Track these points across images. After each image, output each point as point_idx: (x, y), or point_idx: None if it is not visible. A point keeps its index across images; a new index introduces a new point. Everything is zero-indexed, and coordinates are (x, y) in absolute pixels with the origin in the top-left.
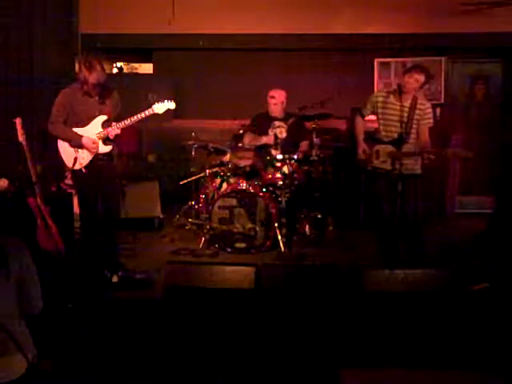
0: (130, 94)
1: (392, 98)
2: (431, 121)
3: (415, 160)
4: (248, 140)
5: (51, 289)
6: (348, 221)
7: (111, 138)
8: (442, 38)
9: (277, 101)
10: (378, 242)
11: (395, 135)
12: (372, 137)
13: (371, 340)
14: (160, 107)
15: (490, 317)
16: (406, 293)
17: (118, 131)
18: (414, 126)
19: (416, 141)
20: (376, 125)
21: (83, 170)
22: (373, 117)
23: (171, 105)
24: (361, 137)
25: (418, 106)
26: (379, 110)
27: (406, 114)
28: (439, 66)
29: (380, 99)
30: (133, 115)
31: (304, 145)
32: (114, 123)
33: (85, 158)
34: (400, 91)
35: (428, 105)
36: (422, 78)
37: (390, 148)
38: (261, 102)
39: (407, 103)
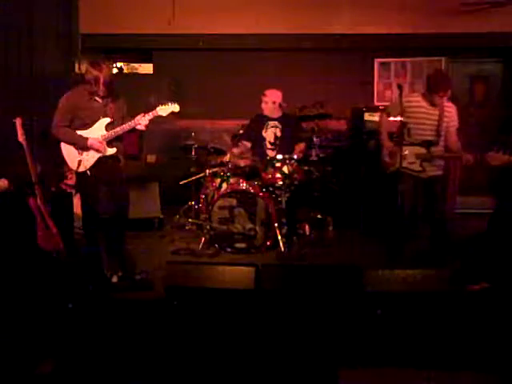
0: (129, 94)
1: (424, 102)
2: (456, 123)
3: (440, 161)
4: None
5: (51, 289)
6: (348, 221)
7: (144, 129)
8: (442, 38)
9: (268, 99)
10: (388, 242)
11: (425, 138)
12: (396, 138)
13: (371, 340)
14: (164, 109)
15: (490, 317)
16: (406, 293)
17: (147, 122)
18: (444, 129)
19: (444, 143)
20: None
21: (88, 173)
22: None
23: (175, 107)
24: (386, 138)
25: (446, 109)
26: (410, 114)
27: (436, 118)
28: (439, 66)
29: (413, 103)
30: (132, 116)
31: (299, 147)
32: (141, 115)
33: (89, 160)
34: (431, 96)
35: (453, 108)
36: (448, 85)
37: (418, 150)
38: (260, 103)
39: (438, 107)
